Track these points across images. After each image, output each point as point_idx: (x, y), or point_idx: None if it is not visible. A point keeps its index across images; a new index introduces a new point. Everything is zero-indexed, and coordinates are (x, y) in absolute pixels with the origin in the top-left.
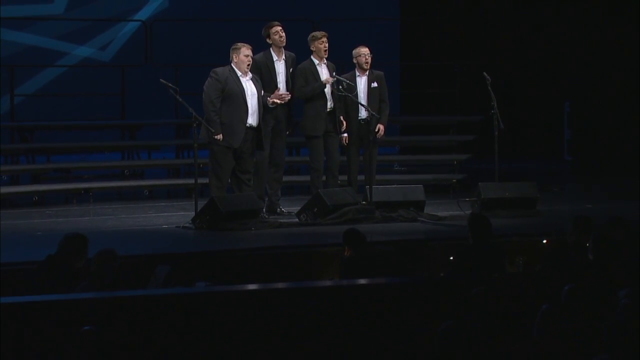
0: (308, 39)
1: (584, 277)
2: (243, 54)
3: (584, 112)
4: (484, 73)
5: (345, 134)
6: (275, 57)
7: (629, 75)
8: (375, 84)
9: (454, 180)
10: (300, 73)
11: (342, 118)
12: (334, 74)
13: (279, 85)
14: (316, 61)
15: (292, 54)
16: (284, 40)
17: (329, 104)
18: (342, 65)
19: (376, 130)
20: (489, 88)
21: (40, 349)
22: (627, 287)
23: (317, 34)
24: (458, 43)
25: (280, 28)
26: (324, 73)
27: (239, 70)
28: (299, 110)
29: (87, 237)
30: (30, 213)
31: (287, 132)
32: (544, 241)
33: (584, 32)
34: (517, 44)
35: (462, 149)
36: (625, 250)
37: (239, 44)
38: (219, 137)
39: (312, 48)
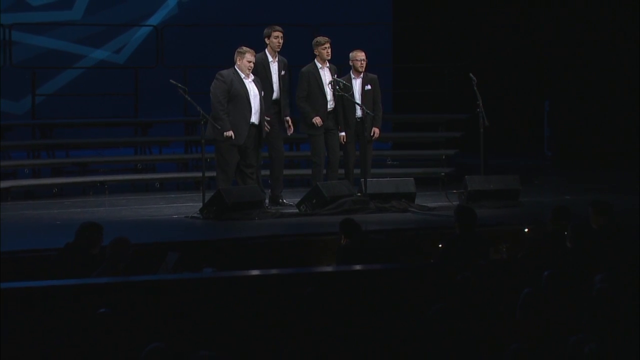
0: (312, 43)
1: (563, 263)
2: (246, 59)
3: (563, 110)
4: (470, 74)
5: (343, 133)
6: (270, 58)
7: (604, 77)
8: (369, 87)
9: (443, 174)
10: (304, 77)
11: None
12: (335, 76)
13: (273, 86)
14: (319, 65)
15: (284, 59)
16: (281, 46)
17: (330, 104)
18: (340, 67)
19: (372, 133)
20: (475, 88)
21: (59, 329)
22: (602, 273)
23: (321, 39)
24: (447, 46)
25: (281, 34)
26: (326, 76)
27: (242, 72)
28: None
29: (103, 226)
30: (50, 204)
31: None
32: (526, 230)
33: (562, 38)
34: (501, 47)
35: (450, 145)
36: (603, 237)
37: (244, 48)
38: (229, 133)
39: (315, 52)
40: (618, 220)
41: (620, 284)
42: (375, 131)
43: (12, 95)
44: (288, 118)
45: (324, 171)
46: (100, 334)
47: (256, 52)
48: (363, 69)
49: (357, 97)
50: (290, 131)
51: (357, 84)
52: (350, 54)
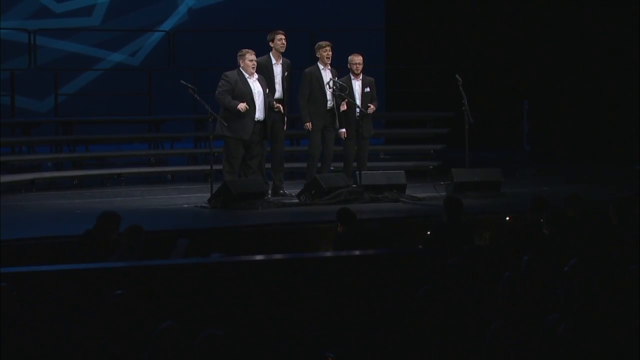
0: (315, 47)
1: (540, 248)
2: (247, 59)
3: (541, 109)
4: (456, 75)
5: (344, 129)
6: (274, 61)
7: (579, 79)
8: (368, 89)
9: (431, 167)
10: (306, 77)
11: (343, 103)
12: (336, 78)
13: (276, 86)
14: (321, 66)
15: (288, 60)
16: (285, 47)
17: (329, 103)
18: (338, 68)
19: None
20: (460, 88)
21: (80, 308)
22: (575, 257)
23: (323, 43)
24: (435, 49)
25: (284, 37)
26: (327, 77)
27: (246, 72)
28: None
29: (121, 215)
30: (71, 194)
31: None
32: (507, 218)
33: (540, 43)
34: (485, 51)
35: (437, 140)
36: (577, 225)
37: (243, 50)
38: (243, 105)
39: (317, 55)
40: (590, 209)
41: (592, 267)
42: (371, 106)
43: (36, 95)
44: (285, 118)
45: (319, 164)
46: (117, 314)
47: (260, 55)
48: (359, 72)
49: (357, 98)
50: (285, 127)
51: (356, 85)
52: (349, 58)
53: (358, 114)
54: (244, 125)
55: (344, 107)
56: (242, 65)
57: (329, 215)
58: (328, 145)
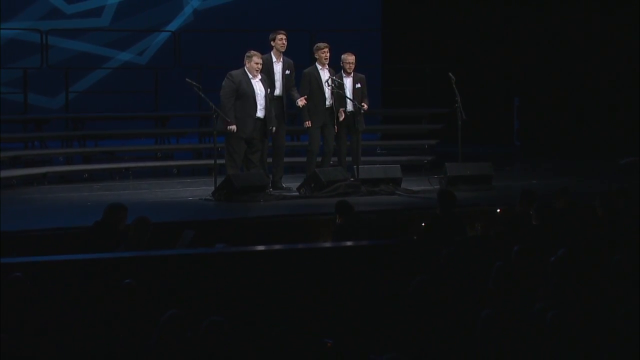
0: (313, 48)
1: (530, 239)
2: (254, 62)
3: (530, 106)
4: (450, 74)
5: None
6: (274, 59)
7: (567, 77)
8: (358, 85)
9: (425, 161)
10: (305, 77)
11: (341, 111)
12: (334, 77)
13: (276, 83)
14: (319, 67)
15: (290, 60)
16: (285, 47)
17: (327, 102)
18: (335, 67)
19: (362, 106)
20: (454, 86)
21: (90, 297)
22: (563, 248)
23: (321, 44)
24: (429, 48)
25: (284, 37)
26: (325, 76)
27: (250, 73)
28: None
29: (127, 206)
30: (82, 187)
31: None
32: (498, 210)
33: (530, 43)
34: (477, 50)
35: (432, 136)
36: (565, 217)
37: (252, 52)
38: (233, 127)
39: (315, 56)
40: (577, 202)
41: (579, 257)
42: (364, 106)
43: (48, 92)
44: (302, 98)
45: (319, 159)
46: (125, 302)
47: (262, 54)
48: (351, 70)
49: (349, 94)
50: (303, 102)
51: (348, 83)
52: (342, 56)
53: (351, 110)
54: (244, 123)
55: (342, 117)
56: (247, 65)
57: (328, 208)
58: (328, 141)
